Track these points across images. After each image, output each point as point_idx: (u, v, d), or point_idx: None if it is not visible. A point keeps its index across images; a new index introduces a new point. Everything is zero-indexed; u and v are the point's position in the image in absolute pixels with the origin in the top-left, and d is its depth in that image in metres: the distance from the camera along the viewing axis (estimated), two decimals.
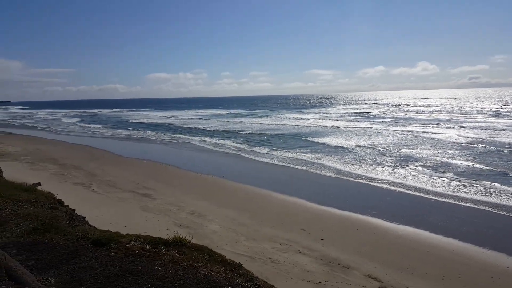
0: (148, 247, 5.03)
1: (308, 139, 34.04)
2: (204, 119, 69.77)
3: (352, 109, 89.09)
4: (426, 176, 18.49)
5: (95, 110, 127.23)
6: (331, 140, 32.70)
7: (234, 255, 9.43)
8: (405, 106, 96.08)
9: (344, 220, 12.64)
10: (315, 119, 61.14)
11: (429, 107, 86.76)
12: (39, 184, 16.80)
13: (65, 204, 9.03)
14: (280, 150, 27.75)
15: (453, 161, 22.11)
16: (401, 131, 39.79)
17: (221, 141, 34.51)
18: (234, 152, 28.07)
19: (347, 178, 18.56)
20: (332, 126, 47.07)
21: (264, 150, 28.18)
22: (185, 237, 5.37)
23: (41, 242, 5.15)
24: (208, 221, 12.23)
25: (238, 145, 31.60)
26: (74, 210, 8.78)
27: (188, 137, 39.23)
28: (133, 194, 15.44)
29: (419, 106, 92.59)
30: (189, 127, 51.28)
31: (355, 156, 24.47)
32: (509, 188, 15.71)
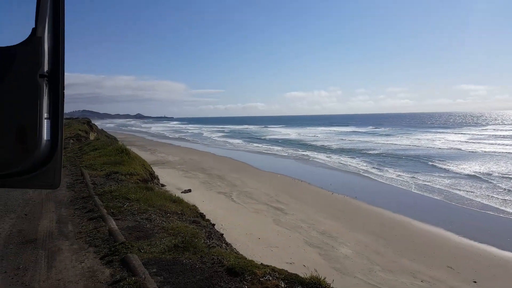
0: (283, 285, 4.73)
1: (436, 164, 29.86)
2: (334, 136, 68.96)
3: (503, 130, 73.69)
4: None
5: (239, 126, 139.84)
6: (464, 166, 27.99)
7: (367, 286, 8.99)
8: None
9: (505, 262, 10.59)
10: (452, 140, 52.86)
11: None
12: (190, 190, 19.45)
13: (206, 217, 9.99)
14: (407, 173, 25.24)
15: None
16: None
17: (347, 160, 33.47)
18: (361, 172, 26.84)
19: (497, 213, 15.56)
20: (472, 150, 40.03)
21: (393, 172, 26.03)
22: (324, 278, 4.97)
23: (179, 262, 5.34)
24: (340, 243, 11.96)
25: (365, 165, 30.05)
26: (213, 225, 9.52)
27: (316, 154, 39.36)
28: (267, 207, 16.31)
29: None
30: (318, 144, 51.40)
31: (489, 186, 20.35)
32: None
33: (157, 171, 22.85)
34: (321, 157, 36.29)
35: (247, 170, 28.00)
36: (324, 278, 4.93)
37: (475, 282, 9.33)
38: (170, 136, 79.23)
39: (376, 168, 28.06)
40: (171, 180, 22.15)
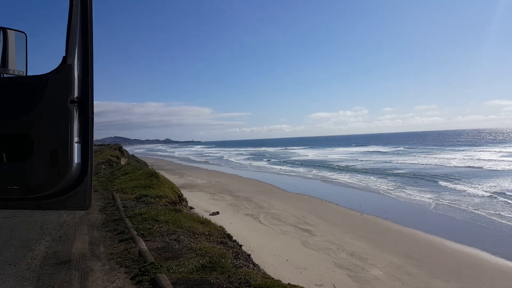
0: None
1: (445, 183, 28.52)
2: (358, 156, 67.75)
3: None
4: None
5: (262, 148, 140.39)
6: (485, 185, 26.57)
7: None
8: None
9: None
10: (469, 158, 50.16)
11: None
12: (217, 213, 19.62)
13: (233, 238, 10.02)
14: (430, 193, 24.30)
15: None
16: None
17: (372, 180, 32.79)
18: (386, 192, 26.14)
19: None
20: (479, 167, 38.13)
21: (417, 193, 25.16)
22: None
23: (207, 282, 5.40)
24: (370, 265, 11.64)
25: (390, 184, 29.31)
26: (241, 246, 9.53)
27: (341, 175, 38.90)
28: (295, 228, 16.16)
29: None
30: (343, 165, 50.64)
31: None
32: None
33: (186, 194, 23.25)
34: (347, 178, 35.73)
35: (273, 191, 27.95)
36: None
37: None
38: (196, 159, 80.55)
39: (400, 188, 27.36)
40: (199, 202, 22.46)
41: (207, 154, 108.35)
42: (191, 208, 18.78)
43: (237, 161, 69.36)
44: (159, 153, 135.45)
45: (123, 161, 35.94)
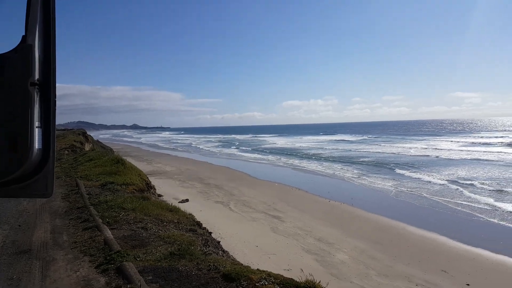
0: None
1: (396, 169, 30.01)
2: (327, 145, 69.31)
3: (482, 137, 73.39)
4: None
5: (233, 136, 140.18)
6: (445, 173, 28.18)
7: None
8: None
9: (497, 265, 10.66)
10: (422, 148, 52.81)
11: None
12: (187, 200, 19.44)
13: (203, 226, 10.01)
14: (393, 180, 25.33)
15: None
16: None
17: (339, 168, 33.69)
18: (353, 179, 26.98)
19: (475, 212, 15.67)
20: (437, 156, 40.50)
21: (380, 181, 26.16)
22: (319, 282, 5.01)
23: (175, 270, 5.35)
24: (336, 249, 12.00)
25: (355, 172, 30.21)
26: (210, 233, 9.52)
27: (310, 162, 39.66)
28: (265, 215, 16.33)
29: None
30: (311, 153, 51.65)
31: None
32: None
33: (154, 181, 22.82)
34: (315, 165, 36.41)
35: (244, 179, 28.03)
36: (319, 282, 4.98)
37: (468, 285, 9.39)
38: (164, 146, 79.17)
39: (364, 176, 28.25)
40: (168, 190, 22.14)
41: (175, 141, 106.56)
42: (160, 195, 18.49)
43: (207, 149, 68.75)
44: (125, 139, 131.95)
45: (87, 147, 34.67)
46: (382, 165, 33.69)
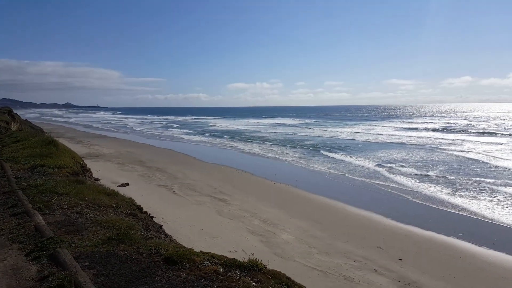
0: (221, 270, 4.75)
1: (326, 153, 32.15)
2: (269, 128, 70.59)
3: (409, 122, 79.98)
4: None
5: (175, 117, 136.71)
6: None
7: (305, 268, 9.37)
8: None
9: (426, 240, 11.71)
10: (355, 132, 56.75)
11: None
12: (127, 184, 18.59)
13: (144, 210, 9.62)
14: (334, 163, 26.77)
15: None
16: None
17: (284, 150, 34.66)
18: (294, 161, 27.89)
19: (410, 191, 17.21)
20: (369, 140, 44.04)
21: (322, 164, 27.39)
22: (261, 260, 5.10)
23: (114, 255, 5.12)
24: (280, 230, 12.30)
25: (296, 155, 31.28)
26: (152, 217, 9.17)
27: (256, 145, 40.15)
28: (210, 198, 16.19)
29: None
30: (257, 136, 52.42)
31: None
32: None
33: (90, 164, 21.46)
34: (260, 148, 36.91)
35: (189, 162, 27.51)
36: (261, 261, 5.09)
37: (400, 259, 10.19)
38: (100, 127, 74.93)
39: (305, 158, 29.34)
40: (107, 174, 20.98)
41: (108, 121, 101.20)
42: (97, 179, 17.46)
43: (148, 130, 66.27)
44: (56, 118, 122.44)
45: (14, 127, 31.49)
46: (321, 148, 35.05)
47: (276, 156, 30.99)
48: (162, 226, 9.06)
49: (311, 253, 10.44)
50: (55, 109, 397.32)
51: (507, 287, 8.78)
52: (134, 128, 72.80)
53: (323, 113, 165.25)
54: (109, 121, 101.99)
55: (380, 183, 19.78)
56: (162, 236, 7.54)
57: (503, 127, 61.99)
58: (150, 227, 7.30)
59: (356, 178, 21.25)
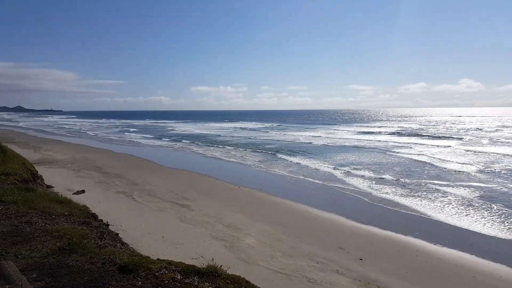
0: (179, 277, 4.65)
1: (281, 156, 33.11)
2: (231, 133, 70.62)
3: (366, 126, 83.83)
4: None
5: (131, 121, 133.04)
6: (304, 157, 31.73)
7: (269, 272, 9.34)
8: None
9: (385, 240, 12.13)
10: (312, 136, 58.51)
11: None
12: (83, 191, 17.67)
13: (99, 218, 9.22)
14: (293, 167, 27.30)
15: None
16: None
17: (246, 154, 34.81)
18: (259, 165, 28.05)
19: (370, 195, 17.91)
20: (329, 143, 45.76)
21: (284, 168, 27.79)
22: (221, 266, 5.02)
23: (64, 265, 4.88)
24: (245, 234, 12.21)
25: (259, 159, 31.51)
26: (108, 225, 8.80)
27: (219, 149, 39.91)
28: (172, 204, 15.78)
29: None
30: (220, 140, 52.20)
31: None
32: None
33: (43, 171, 20.25)
34: (223, 152, 36.69)
35: (149, 167, 26.71)
36: (220, 266, 5.03)
37: (361, 259, 10.46)
38: (54, 132, 71.11)
39: (268, 162, 29.61)
40: (61, 180, 19.84)
41: (61, 125, 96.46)
42: (50, 186, 16.47)
43: (105, 135, 63.73)
44: (4, 123, 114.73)
45: None
46: (282, 152, 35.40)
47: (238, 160, 30.91)
48: (118, 234, 8.67)
49: (275, 256, 10.44)
50: (4, 112, 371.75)
51: (460, 282, 9.27)
52: (88, 132, 69.72)
53: (286, 117, 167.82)
54: (61, 126, 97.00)
55: (339, 185, 20.30)
56: (118, 244, 7.22)
57: (452, 131, 66.16)
58: (105, 236, 6.98)
59: (316, 181, 21.65)
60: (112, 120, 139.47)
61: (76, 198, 12.63)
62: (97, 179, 21.16)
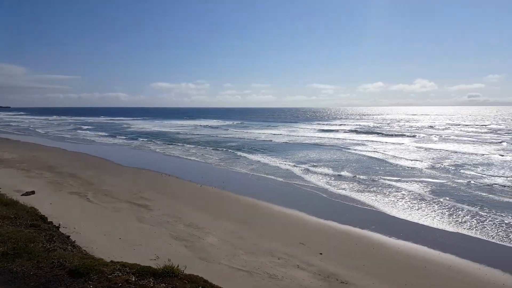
0: (133, 279, 4.55)
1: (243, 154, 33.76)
2: (191, 130, 69.78)
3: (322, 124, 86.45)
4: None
5: (84, 118, 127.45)
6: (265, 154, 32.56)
7: (231, 270, 9.29)
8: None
9: (343, 234, 12.50)
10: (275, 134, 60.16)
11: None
12: (33, 192, 16.60)
13: (49, 220, 8.75)
14: (253, 165, 27.58)
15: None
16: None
17: (208, 152, 34.56)
18: (220, 163, 27.96)
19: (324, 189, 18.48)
20: (290, 141, 47.00)
21: (247, 166, 27.93)
22: (177, 266, 4.92)
23: (8, 271, 4.68)
24: (206, 233, 12.06)
25: (222, 157, 31.45)
26: (58, 227, 8.39)
27: (180, 146, 39.21)
28: (130, 205, 15.25)
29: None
30: (181, 137, 51.40)
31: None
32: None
33: None
34: (183, 150, 36.06)
35: (105, 166, 25.64)
36: (177, 266, 4.95)
37: (321, 254, 10.70)
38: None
39: (231, 160, 29.53)
40: (8, 181, 18.52)
41: (7, 123, 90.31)
42: None
43: (56, 132, 60.41)
44: None
45: None
46: (243, 150, 35.46)
47: (199, 158, 30.50)
48: (70, 236, 8.23)
49: (237, 254, 10.40)
50: None
51: (414, 272, 9.75)
52: (38, 130, 65.66)
53: (249, 115, 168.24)
54: (8, 123, 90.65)
55: (299, 182, 20.65)
56: (69, 247, 6.87)
57: (405, 129, 69.70)
58: (54, 238, 6.63)
59: (278, 178, 21.86)
60: (64, 117, 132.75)
61: (25, 200, 11.85)
62: (49, 179, 19.99)
